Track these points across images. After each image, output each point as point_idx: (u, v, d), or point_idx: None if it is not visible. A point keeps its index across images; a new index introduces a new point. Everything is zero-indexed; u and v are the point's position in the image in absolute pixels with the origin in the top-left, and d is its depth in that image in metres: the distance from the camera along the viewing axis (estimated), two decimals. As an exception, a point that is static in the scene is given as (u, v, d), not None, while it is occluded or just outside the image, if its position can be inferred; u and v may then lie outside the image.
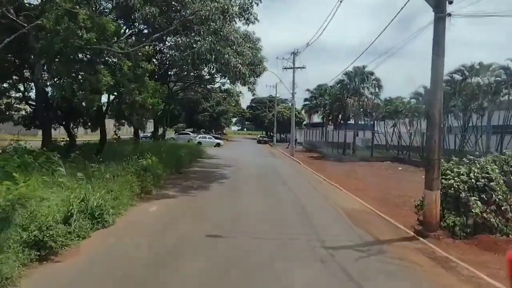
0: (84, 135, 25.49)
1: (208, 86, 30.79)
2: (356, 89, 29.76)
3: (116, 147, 17.95)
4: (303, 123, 64.30)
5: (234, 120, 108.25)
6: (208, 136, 46.73)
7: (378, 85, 29.42)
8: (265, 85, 69.81)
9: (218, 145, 41.50)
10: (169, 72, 25.89)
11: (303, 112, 58.90)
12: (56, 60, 12.21)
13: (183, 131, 54.52)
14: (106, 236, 7.38)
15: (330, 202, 12.37)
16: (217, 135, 64.16)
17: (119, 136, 15.20)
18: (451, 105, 25.47)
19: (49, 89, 13.00)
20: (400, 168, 24.19)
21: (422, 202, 9.12)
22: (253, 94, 26.20)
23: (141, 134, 37.12)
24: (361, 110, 29.57)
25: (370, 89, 29.71)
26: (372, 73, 29.40)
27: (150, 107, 14.35)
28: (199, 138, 41.79)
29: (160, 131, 30.21)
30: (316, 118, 54.53)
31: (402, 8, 11.84)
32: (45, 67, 12.69)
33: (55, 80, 12.91)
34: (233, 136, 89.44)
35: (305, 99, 46.93)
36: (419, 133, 29.14)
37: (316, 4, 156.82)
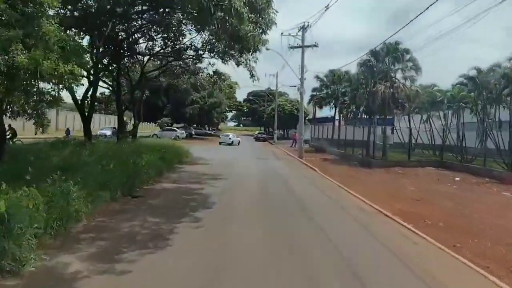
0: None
1: (192, 67, 23.87)
2: (386, 72, 22.85)
3: (35, 153, 11.21)
4: (306, 118, 57.12)
5: (230, 115, 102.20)
6: (236, 135, 49.82)
7: (416, 67, 22.43)
8: (264, 74, 62.54)
9: (239, 142, 44.38)
10: (136, 44, 19.15)
11: (306, 105, 51.74)
12: None
13: (169, 127, 47.44)
14: None
15: (425, 279, 5.57)
16: (210, 132, 58.59)
17: (14, 132, 8.31)
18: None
19: None
20: (457, 179, 17.41)
21: None
22: (252, 76, 19.45)
23: (99, 131, 30.12)
24: (391, 99, 22.60)
25: (405, 72, 22.71)
26: (407, 51, 22.41)
27: (56, 80, 7.44)
28: (233, 137, 44.50)
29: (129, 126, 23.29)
30: (322, 112, 47.73)
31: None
32: None
33: None
34: (229, 133, 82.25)
35: (313, 89, 39.60)
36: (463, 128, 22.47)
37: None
